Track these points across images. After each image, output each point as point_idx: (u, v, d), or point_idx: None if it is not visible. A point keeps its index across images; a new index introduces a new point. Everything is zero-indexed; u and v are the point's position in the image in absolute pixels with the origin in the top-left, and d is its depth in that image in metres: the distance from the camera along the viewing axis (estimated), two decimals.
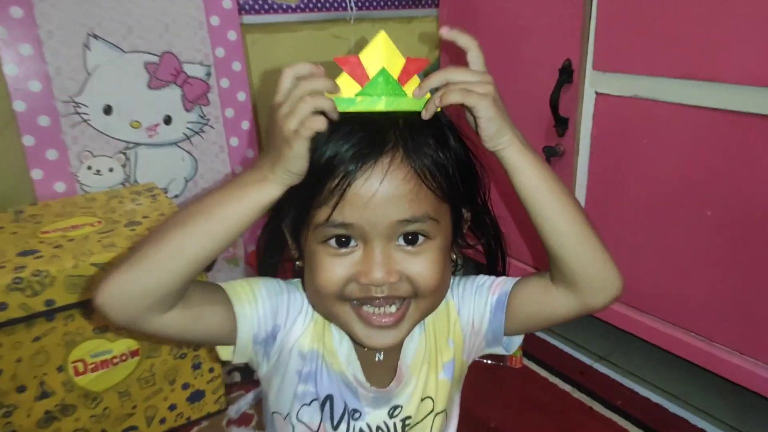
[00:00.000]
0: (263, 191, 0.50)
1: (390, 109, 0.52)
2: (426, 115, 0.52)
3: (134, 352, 1.01)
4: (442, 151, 0.54)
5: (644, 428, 1.12)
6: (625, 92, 1.05)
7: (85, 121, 1.22)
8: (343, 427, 0.63)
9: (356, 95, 0.51)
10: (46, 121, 1.18)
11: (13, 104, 1.15)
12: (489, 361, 1.29)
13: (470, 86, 0.50)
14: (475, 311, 0.64)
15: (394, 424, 0.64)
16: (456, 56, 0.54)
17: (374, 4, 1.54)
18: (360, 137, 0.51)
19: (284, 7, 1.42)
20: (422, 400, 0.64)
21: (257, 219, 0.51)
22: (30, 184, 1.19)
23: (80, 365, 0.96)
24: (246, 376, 1.22)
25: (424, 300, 0.56)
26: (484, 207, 0.62)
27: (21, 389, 0.92)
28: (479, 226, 0.63)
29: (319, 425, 0.63)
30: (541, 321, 0.62)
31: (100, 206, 1.13)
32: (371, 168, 0.51)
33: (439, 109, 0.53)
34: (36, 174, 1.19)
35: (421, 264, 0.54)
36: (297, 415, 0.63)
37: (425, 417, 0.65)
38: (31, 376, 0.93)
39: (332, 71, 0.51)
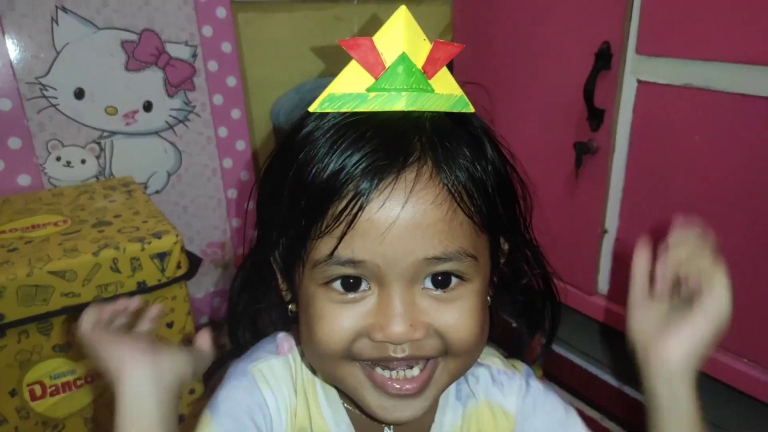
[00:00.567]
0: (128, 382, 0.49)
1: (413, 108, 0.42)
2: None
3: (102, 374, 0.93)
4: (480, 164, 0.43)
5: None
6: (673, 80, 0.96)
7: (53, 105, 1.17)
8: None
9: (368, 90, 0.42)
10: (7, 104, 1.12)
11: None
12: None
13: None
14: None
15: None
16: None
17: None
18: (375, 145, 0.40)
19: None
20: None
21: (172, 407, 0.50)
22: None
23: (37, 388, 0.89)
24: None
25: (455, 360, 0.45)
26: (526, 236, 0.51)
27: None
28: (516, 261, 0.52)
29: None
30: None
31: (67, 203, 1.08)
32: (391, 186, 0.40)
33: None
34: None
35: (455, 315, 0.44)
36: None
37: None
38: None
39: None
